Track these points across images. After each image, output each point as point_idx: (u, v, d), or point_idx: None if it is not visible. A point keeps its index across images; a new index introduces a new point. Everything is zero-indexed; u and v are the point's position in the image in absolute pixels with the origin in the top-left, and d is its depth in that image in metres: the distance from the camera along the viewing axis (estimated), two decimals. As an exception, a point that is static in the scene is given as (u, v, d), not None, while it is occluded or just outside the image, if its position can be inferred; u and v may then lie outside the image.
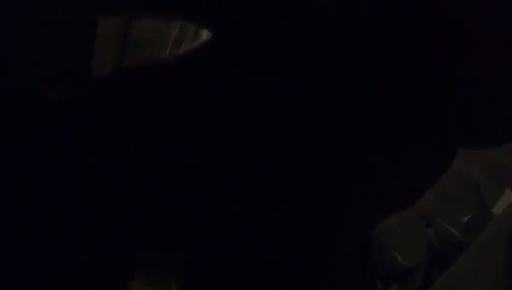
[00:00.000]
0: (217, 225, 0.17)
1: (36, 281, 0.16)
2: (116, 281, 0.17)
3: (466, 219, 1.54)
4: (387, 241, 1.50)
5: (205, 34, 0.17)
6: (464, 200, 1.55)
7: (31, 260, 0.16)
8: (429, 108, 0.17)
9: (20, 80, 0.17)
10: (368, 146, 0.17)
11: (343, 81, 0.17)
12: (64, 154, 0.17)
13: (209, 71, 0.17)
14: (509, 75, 0.16)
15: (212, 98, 0.17)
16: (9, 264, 0.16)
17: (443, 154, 0.17)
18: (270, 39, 0.16)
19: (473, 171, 1.50)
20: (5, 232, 0.16)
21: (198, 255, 0.18)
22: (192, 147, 0.17)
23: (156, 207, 0.17)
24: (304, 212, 0.17)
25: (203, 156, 0.17)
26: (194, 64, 0.17)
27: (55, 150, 0.17)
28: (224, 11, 0.16)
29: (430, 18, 0.16)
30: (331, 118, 0.17)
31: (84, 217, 0.17)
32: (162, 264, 0.18)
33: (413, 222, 1.54)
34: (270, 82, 0.17)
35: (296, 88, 0.17)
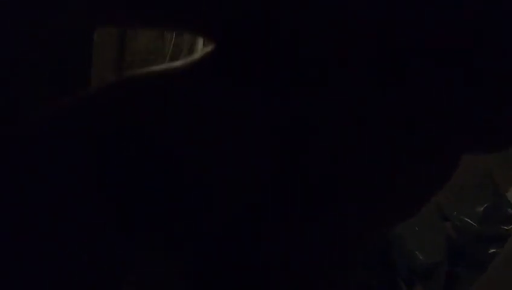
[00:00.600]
0: (217, 224, 0.17)
1: (36, 281, 0.16)
2: (116, 281, 0.17)
3: (482, 208, 1.54)
4: (406, 240, 1.49)
5: (202, 44, 0.17)
6: (478, 190, 1.54)
7: (31, 260, 0.16)
8: (429, 108, 0.17)
9: (20, 80, 0.17)
10: (368, 146, 0.17)
11: (343, 81, 0.17)
12: (64, 154, 0.17)
13: (209, 73, 0.17)
14: (509, 76, 0.16)
15: (212, 99, 0.17)
16: (9, 264, 0.16)
17: (444, 158, 0.17)
18: (270, 39, 0.16)
19: (483, 159, 1.49)
20: (5, 232, 0.16)
21: (198, 255, 0.18)
22: (192, 147, 0.17)
23: (156, 207, 0.17)
24: (304, 212, 0.17)
25: (203, 156, 0.17)
26: (193, 66, 0.17)
27: (55, 150, 0.17)
28: (224, 13, 0.16)
29: (430, 18, 0.16)
30: (331, 118, 0.17)
31: (84, 217, 0.17)
32: (162, 264, 0.18)
33: (430, 217, 1.53)
34: (270, 82, 0.17)
35: (296, 89, 0.17)
